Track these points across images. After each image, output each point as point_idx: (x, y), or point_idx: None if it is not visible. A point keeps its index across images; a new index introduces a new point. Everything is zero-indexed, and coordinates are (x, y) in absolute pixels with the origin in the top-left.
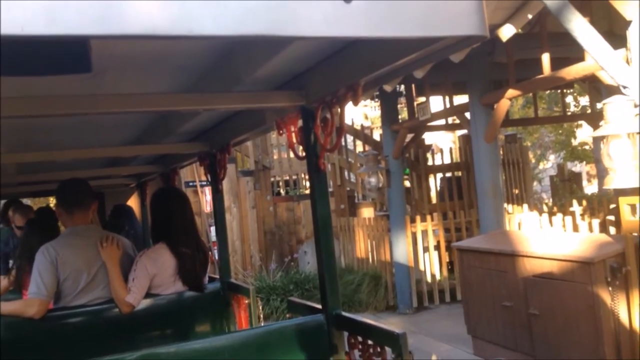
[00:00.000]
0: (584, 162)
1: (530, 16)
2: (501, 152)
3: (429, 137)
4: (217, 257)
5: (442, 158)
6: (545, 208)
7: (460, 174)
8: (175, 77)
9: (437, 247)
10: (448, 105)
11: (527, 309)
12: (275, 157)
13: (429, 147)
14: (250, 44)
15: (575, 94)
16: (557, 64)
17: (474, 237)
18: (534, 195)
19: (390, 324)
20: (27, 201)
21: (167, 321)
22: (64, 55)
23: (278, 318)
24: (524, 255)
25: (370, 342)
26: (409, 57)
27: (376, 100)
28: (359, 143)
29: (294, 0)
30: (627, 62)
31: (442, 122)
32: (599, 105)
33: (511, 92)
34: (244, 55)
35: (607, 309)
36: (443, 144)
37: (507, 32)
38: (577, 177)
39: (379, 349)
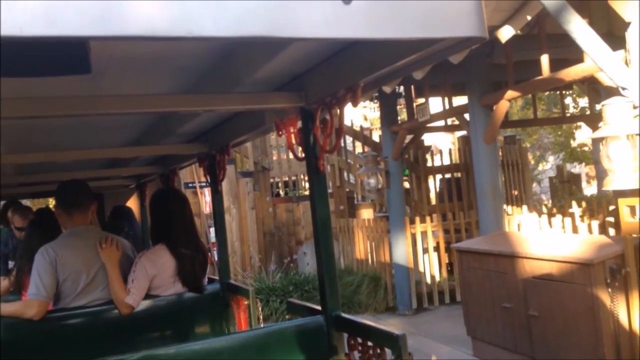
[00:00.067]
0: (583, 164)
1: (529, 17)
2: (500, 154)
3: (428, 139)
4: (216, 258)
5: (441, 159)
6: (544, 209)
7: (459, 175)
8: (175, 78)
9: (437, 249)
10: (447, 107)
11: (527, 310)
12: (275, 158)
13: (428, 148)
14: (250, 45)
15: (574, 96)
16: (556, 66)
17: (473, 238)
18: (534, 197)
19: (390, 325)
20: (26, 202)
21: (166, 322)
22: (64, 56)
23: (277, 319)
24: (524, 257)
25: (369, 343)
26: (409, 59)
27: (375, 101)
28: (358, 144)
29: (294, 1)
30: (626, 63)
31: (441, 123)
32: (598, 107)
33: (510, 94)
34: (243, 56)
35: (606, 311)
36: (442, 145)
37: (506, 33)
38: (576, 178)
39: (378, 351)
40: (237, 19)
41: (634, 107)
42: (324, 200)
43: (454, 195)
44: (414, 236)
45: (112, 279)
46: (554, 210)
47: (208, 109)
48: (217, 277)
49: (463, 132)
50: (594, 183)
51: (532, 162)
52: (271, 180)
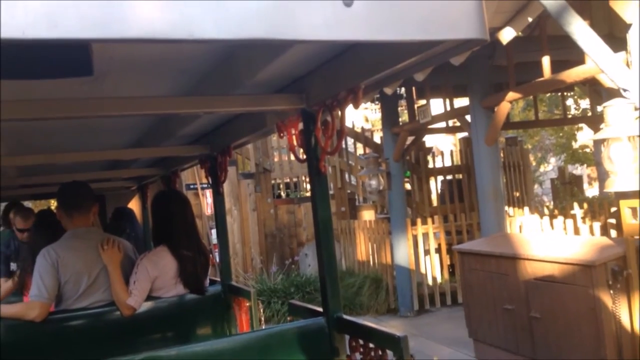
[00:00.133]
0: (585, 165)
1: (530, 19)
2: (502, 155)
3: (429, 140)
4: (218, 260)
5: (442, 161)
6: (546, 211)
7: (461, 176)
8: (176, 80)
9: (438, 250)
10: (449, 108)
11: (529, 311)
12: (276, 159)
13: (429, 150)
14: (251, 48)
15: (575, 97)
16: (557, 67)
17: (475, 239)
18: (535, 198)
19: (392, 327)
20: (28, 204)
21: (168, 324)
22: (66, 58)
23: (279, 321)
24: (525, 258)
25: (371, 345)
26: (410, 61)
27: (377, 102)
28: (359, 146)
29: (295, 4)
30: (628, 65)
31: (442, 124)
32: (599, 108)
33: (511, 95)
34: (244, 58)
35: (608, 312)
36: (444, 147)
37: (507, 35)
38: (578, 180)
39: (380, 352)
40: (237, 22)
41: (635, 109)
42: (325, 201)
43: (455, 197)
44: (415, 238)
45: (114, 280)
46: (556, 211)
47: (209, 111)
48: (218, 279)
49: (464, 134)
50: (596, 184)
51: (534, 163)
52: (272, 181)
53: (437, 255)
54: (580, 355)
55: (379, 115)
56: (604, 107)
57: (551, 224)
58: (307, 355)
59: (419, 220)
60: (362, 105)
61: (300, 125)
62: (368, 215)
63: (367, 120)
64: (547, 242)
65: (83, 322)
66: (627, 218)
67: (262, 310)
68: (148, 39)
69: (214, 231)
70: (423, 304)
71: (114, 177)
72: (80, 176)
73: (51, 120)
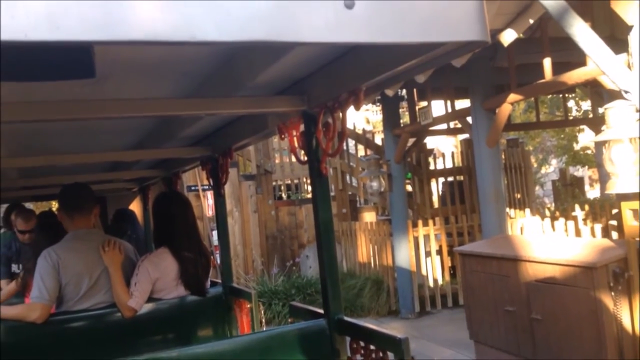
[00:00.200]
0: (586, 167)
1: (531, 21)
2: (503, 157)
3: (430, 142)
4: (219, 262)
5: (444, 162)
6: (547, 213)
7: (462, 178)
8: (178, 82)
9: (439, 252)
10: (450, 110)
11: (530, 313)
12: (277, 161)
13: (430, 152)
14: (252, 50)
15: (577, 99)
16: (558, 69)
17: (476, 241)
18: (536, 200)
19: (393, 328)
20: (29, 205)
21: (169, 325)
22: (68, 60)
23: (280, 323)
24: (527, 260)
25: (372, 347)
26: (411, 63)
27: (378, 104)
28: (360, 147)
29: (296, 6)
30: (629, 66)
31: (443, 126)
32: (600, 110)
33: (513, 97)
34: (245, 60)
35: (609, 314)
36: (445, 148)
37: (508, 37)
38: (579, 181)
39: (381, 354)
40: (239, 24)
41: (637, 111)
42: (326, 203)
43: (456, 199)
44: (416, 239)
45: (115, 282)
46: (557, 213)
47: (210, 113)
48: (219, 280)
49: (465, 135)
50: (597, 186)
51: (535, 165)
52: (274, 183)
53: (438, 257)
54: (582, 357)
55: (380, 116)
56: (606, 108)
57: (552, 226)
58: (308, 357)
59: (420, 222)
60: (363, 107)
61: (302, 127)
62: (369, 216)
63: (368, 121)
64: (548, 244)
65: (84, 323)
66: (629, 220)
67: (263, 312)
68: (150, 41)
69: (215, 233)
70: (424, 306)
71: (115, 178)
72: (81, 178)
73: (52, 122)
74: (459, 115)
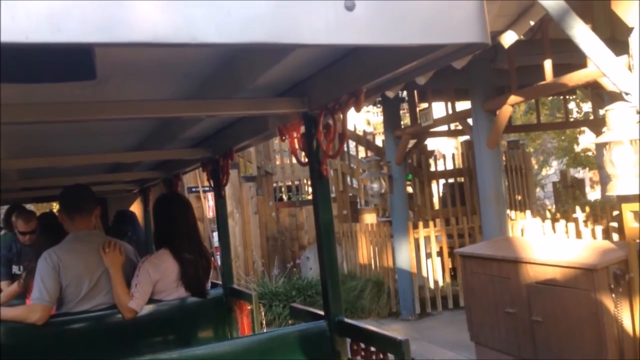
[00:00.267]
0: (587, 169)
1: (532, 23)
2: (504, 158)
3: (431, 143)
4: (219, 263)
5: (444, 164)
6: (548, 214)
7: (462, 180)
8: (178, 84)
9: (440, 253)
10: (450, 112)
11: (530, 315)
12: (278, 162)
13: (431, 153)
14: (253, 51)
15: (577, 101)
16: (559, 71)
17: (476, 243)
18: (537, 202)
19: (393, 330)
20: (30, 206)
21: (169, 327)
22: (69, 62)
23: (280, 324)
24: (527, 262)
25: (372, 348)
26: (411, 64)
27: (378, 106)
28: (361, 149)
29: (296, 8)
30: (629, 68)
31: (444, 128)
32: (601, 112)
33: (513, 99)
34: (246, 62)
35: (610, 316)
36: (445, 150)
37: (509, 38)
38: (580, 183)
39: (381, 356)
40: (240, 26)
41: (637, 112)
42: (326, 204)
43: (457, 200)
44: (417, 241)
45: (116, 283)
46: (558, 215)
47: (211, 115)
48: (220, 282)
49: (466, 137)
50: (598, 188)
51: (536, 167)
52: (274, 184)
53: (439, 258)
54: (582, 359)
55: (380, 118)
56: (606, 110)
57: (553, 228)
58: (308, 358)
59: (420, 224)
60: (364, 109)
61: (302, 129)
62: (370, 218)
63: (369, 123)
64: (549, 245)
65: (84, 325)
66: (629, 222)
67: (263, 314)
68: (150, 43)
69: (215, 234)
70: (425, 308)
71: (116, 180)
72: (82, 179)
73: (53, 124)
74: (460, 116)
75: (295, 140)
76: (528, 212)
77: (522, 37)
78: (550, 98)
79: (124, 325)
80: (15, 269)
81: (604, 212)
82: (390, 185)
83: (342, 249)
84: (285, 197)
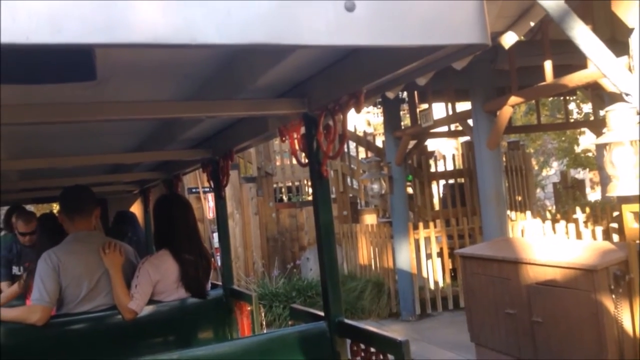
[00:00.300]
0: (587, 169)
1: (532, 24)
2: (504, 159)
3: (431, 144)
4: (219, 264)
5: (444, 165)
6: (548, 215)
7: (463, 180)
8: (179, 85)
9: (440, 254)
10: (451, 112)
11: (531, 316)
12: (278, 163)
13: (431, 154)
14: (253, 52)
15: (577, 101)
16: (559, 71)
17: (477, 244)
18: (537, 202)
19: (393, 331)
20: (30, 207)
21: (169, 328)
22: (69, 63)
23: (280, 325)
24: (527, 263)
25: (372, 349)
26: (411, 65)
27: (379, 106)
28: (361, 149)
29: (297, 9)
30: (630, 69)
31: (444, 128)
32: (601, 113)
33: (514, 99)
34: (246, 63)
35: (610, 317)
36: (446, 151)
37: (509, 39)
38: (580, 184)
39: (381, 357)
40: (240, 27)
41: (638, 113)
42: (327, 205)
43: (457, 201)
44: (417, 242)
45: (116, 284)
46: (558, 216)
47: (211, 115)
48: (220, 283)
49: (466, 138)
50: (598, 189)
51: (536, 167)
52: (274, 185)
53: (439, 259)
54: None
55: (381, 119)
56: (606, 111)
57: (553, 228)
58: (308, 359)
59: (420, 224)
60: (364, 109)
61: (302, 130)
62: (370, 219)
63: (369, 124)
64: (549, 246)
65: (84, 326)
66: (629, 222)
67: (263, 315)
68: (151, 44)
69: (215, 235)
70: (425, 308)
71: (116, 180)
72: (82, 180)
73: (53, 125)
74: (460, 117)
75: (296, 141)
76: (528, 212)
77: (522, 38)
78: (550, 99)
79: (124, 326)
80: (15, 269)
81: (604, 213)
82: (391, 186)
83: (342, 250)
84: (285, 198)
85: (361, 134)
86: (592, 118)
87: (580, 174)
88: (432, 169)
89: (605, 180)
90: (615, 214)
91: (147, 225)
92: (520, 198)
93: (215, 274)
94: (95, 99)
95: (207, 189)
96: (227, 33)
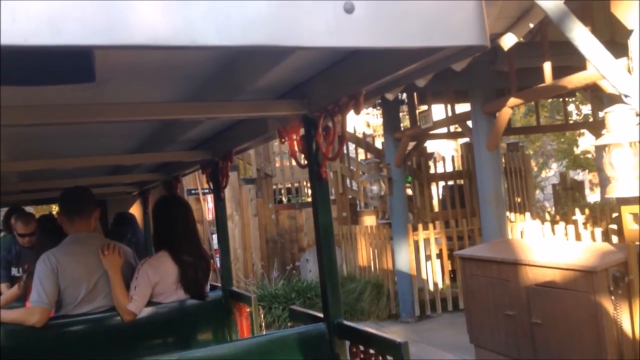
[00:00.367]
0: (587, 171)
1: (531, 25)
2: (503, 161)
3: (431, 145)
4: (219, 265)
5: (444, 166)
6: (547, 216)
7: (462, 182)
8: (178, 86)
9: (440, 256)
10: (450, 114)
11: (530, 317)
12: (277, 164)
13: (431, 155)
14: (253, 54)
15: (577, 103)
16: (558, 73)
17: (476, 245)
18: (537, 204)
19: (392, 332)
20: (29, 209)
21: (168, 329)
22: (68, 65)
23: (280, 327)
24: (527, 264)
25: (372, 351)
26: (411, 67)
27: (378, 108)
28: (361, 151)
29: (296, 11)
30: (629, 71)
31: (444, 130)
32: (600, 114)
33: (513, 101)
34: (246, 64)
35: (609, 318)
36: (445, 152)
37: (508, 41)
38: (579, 185)
39: (380, 358)
40: (239, 28)
41: (637, 115)
42: (326, 207)
43: (456, 203)
44: (416, 243)
45: (115, 285)
46: (557, 217)
47: (211, 117)
48: (219, 284)
49: (466, 139)
50: (597, 190)
51: (535, 169)
52: (274, 186)
53: (439, 260)
54: None
55: (380, 120)
56: (606, 113)
57: (552, 230)
58: None
59: (420, 226)
60: (364, 111)
61: (302, 131)
62: (369, 220)
63: (368, 125)
64: (548, 248)
65: (84, 327)
66: (629, 224)
67: (262, 316)
68: (150, 46)
69: (215, 236)
70: (424, 310)
71: (115, 182)
72: (82, 181)
73: (53, 126)
74: (459, 119)
75: (295, 143)
76: (527, 214)
77: (521, 39)
78: (549, 100)
79: (123, 327)
80: (14, 271)
81: (604, 214)
82: (390, 188)
83: (342, 251)
84: (284, 200)
85: (360, 136)
86: (591, 119)
87: (580, 175)
88: (432, 171)
89: (604, 182)
90: (615, 215)
91: (147, 226)
92: (519, 199)
93: (214, 275)
94: (94, 101)
95: (207, 191)
96: (227, 34)
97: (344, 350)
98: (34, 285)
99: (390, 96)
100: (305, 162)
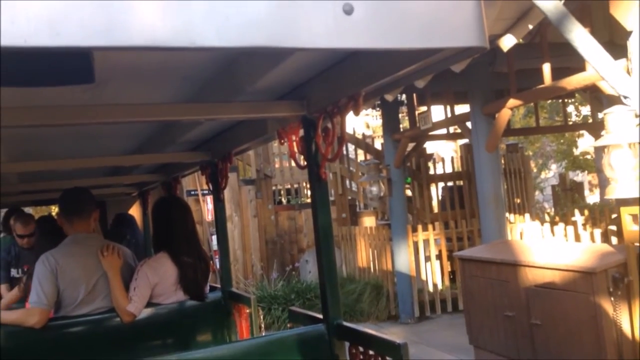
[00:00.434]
0: (586, 172)
1: (530, 26)
2: (503, 162)
3: (430, 146)
4: (218, 266)
5: (443, 167)
6: (547, 218)
7: (461, 183)
8: (178, 87)
9: (439, 257)
10: (449, 115)
11: (529, 319)
12: (277, 165)
13: (430, 156)
14: (252, 55)
15: (576, 104)
16: (558, 74)
17: (475, 246)
18: (536, 205)
19: (392, 333)
20: (28, 210)
21: (168, 330)
22: (67, 66)
23: (279, 328)
24: (526, 265)
25: (371, 352)
26: (410, 68)
27: (377, 109)
28: (360, 152)
29: (295, 12)
30: (628, 72)
31: (443, 131)
32: (600, 115)
33: (512, 102)
34: (245, 66)
35: (609, 319)
36: (444, 153)
37: (507, 42)
38: (578, 186)
39: (380, 359)
40: (239, 29)
41: (636, 116)
42: (325, 208)
43: (456, 203)
44: (416, 244)
45: (114, 286)
46: (557, 218)
47: (210, 118)
48: (219, 285)
49: (465, 140)
50: (597, 191)
51: (535, 170)
52: (273, 187)
53: (438, 261)
54: None
55: (379, 121)
56: (605, 114)
57: (552, 231)
58: None
59: (419, 227)
60: (363, 112)
61: (301, 132)
62: (369, 221)
63: (368, 126)
64: (547, 249)
65: (83, 328)
66: (628, 225)
67: (262, 317)
68: (150, 47)
69: (214, 237)
70: (424, 311)
71: (115, 183)
72: (81, 182)
73: (52, 127)
74: (459, 120)
75: (294, 144)
76: (527, 215)
77: (521, 40)
78: (549, 101)
79: (123, 328)
80: (13, 272)
81: (603, 215)
82: (390, 189)
83: (341, 252)
84: (284, 200)
85: (360, 137)
86: (590, 120)
87: (579, 176)
88: (431, 172)
89: (603, 183)
90: (614, 216)
91: (146, 227)
92: (519, 200)
93: (214, 276)
94: (94, 102)
95: (206, 192)
96: (226, 36)
97: (343, 351)
98: (33, 286)
99: (389, 97)
100: (305, 163)
